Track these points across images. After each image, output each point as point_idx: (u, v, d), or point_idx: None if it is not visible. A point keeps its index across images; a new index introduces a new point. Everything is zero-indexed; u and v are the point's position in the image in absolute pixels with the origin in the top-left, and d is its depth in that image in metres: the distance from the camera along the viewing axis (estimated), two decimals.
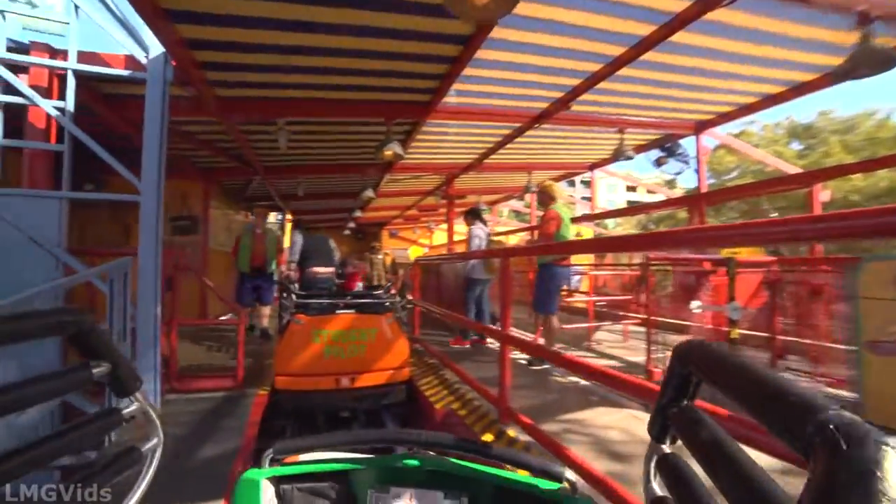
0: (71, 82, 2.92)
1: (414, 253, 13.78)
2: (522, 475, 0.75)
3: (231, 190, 7.73)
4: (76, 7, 2.99)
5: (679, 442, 0.46)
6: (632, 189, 52.27)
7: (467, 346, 5.20)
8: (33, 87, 2.99)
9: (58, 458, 0.46)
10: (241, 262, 5.49)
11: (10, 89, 2.91)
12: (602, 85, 4.19)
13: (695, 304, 2.84)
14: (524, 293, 13.07)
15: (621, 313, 6.10)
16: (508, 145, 6.28)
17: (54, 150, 2.97)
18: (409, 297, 5.40)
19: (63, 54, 3.02)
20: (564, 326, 4.91)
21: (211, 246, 6.67)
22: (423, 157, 6.97)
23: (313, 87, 3.91)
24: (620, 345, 5.31)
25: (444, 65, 3.65)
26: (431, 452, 0.78)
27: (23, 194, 2.76)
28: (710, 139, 5.90)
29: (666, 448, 0.47)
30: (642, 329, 5.76)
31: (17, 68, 2.98)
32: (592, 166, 8.45)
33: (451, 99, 4.58)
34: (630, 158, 5.44)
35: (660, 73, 4.12)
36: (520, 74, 4.07)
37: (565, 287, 8.73)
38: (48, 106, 2.84)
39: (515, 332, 3.86)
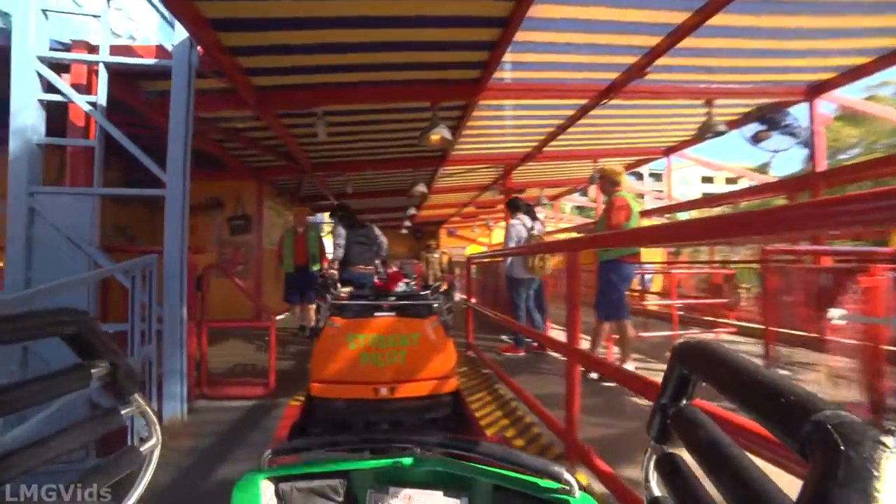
0: (103, 76, 2.83)
1: (471, 252, 13.32)
2: (521, 475, 0.73)
3: (285, 189, 7.80)
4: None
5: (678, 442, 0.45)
6: (708, 180, 47.20)
7: (521, 354, 4.64)
8: (75, 85, 2.95)
9: (57, 460, 0.45)
10: (286, 263, 5.51)
11: (53, 89, 2.88)
12: (687, 42, 3.44)
13: (836, 313, 2.08)
14: (589, 294, 12.19)
15: (710, 319, 5.17)
16: (571, 129, 5.61)
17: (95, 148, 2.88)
18: (457, 297, 4.94)
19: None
20: (641, 335, 4.18)
21: (265, 245, 6.72)
22: (476, 146, 6.50)
23: (351, 68, 3.58)
24: None
25: (494, 29, 3.14)
26: (430, 452, 0.77)
27: (56, 192, 2.70)
28: (827, 105, 4.80)
29: (665, 448, 0.47)
30: (738, 339, 4.83)
31: (60, 68, 2.96)
32: (668, 151, 7.45)
33: (504, 74, 4.06)
34: (721, 134, 4.55)
35: (764, 18, 3.28)
36: (583, 36, 3.45)
37: (637, 287, 7.81)
38: (81, 101, 2.78)
39: (586, 340, 3.27)
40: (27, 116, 2.75)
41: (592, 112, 5.01)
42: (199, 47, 2.89)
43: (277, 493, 0.73)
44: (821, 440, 0.24)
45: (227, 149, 5.43)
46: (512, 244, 4.72)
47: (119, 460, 0.54)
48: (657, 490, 0.47)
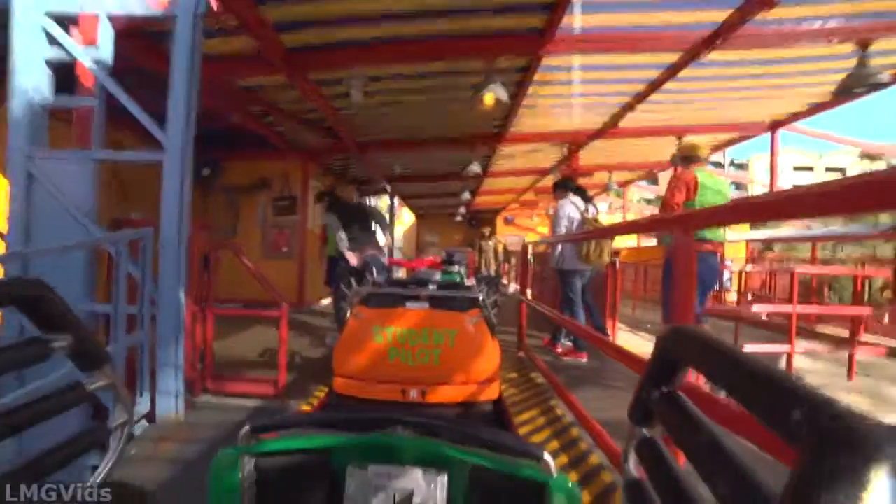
0: (106, 27, 2.50)
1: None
2: (501, 455, 0.73)
3: (333, 171, 7.52)
4: None
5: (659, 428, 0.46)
6: (804, 169, 40.21)
7: (584, 359, 3.92)
8: (87, 44, 2.65)
9: (17, 434, 0.45)
10: (329, 245, 5.08)
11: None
12: None
13: None
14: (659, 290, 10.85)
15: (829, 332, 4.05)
16: (653, 96, 4.66)
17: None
18: (512, 289, 4.48)
19: None
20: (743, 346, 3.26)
21: (310, 227, 6.46)
22: (538, 121, 5.72)
23: (393, 16, 3.01)
24: (845, 385, 3.39)
25: None
26: (410, 431, 0.75)
27: (50, 156, 2.42)
28: None
29: (646, 432, 0.48)
30: (884, 361, 3.71)
31: (69, 24, 2.66)
32: (774, 125, 6.12)
33: (574, 18, 3.28)
34: (880, 87, 3.41)
35: None
36: None
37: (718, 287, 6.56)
38: (84, 56, 2.46)
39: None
40: (30, 76, 2.49)
41: (682, 74, 4.08)
42: None
43: (257, 470, 0.72)
44: (811, 428, 0.24)
45: (268, 124, 5.15)
46: (562, 229, 4.02)
47: (80, 439, 0.53)
48: (635, 472, 0.48)
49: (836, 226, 8.61)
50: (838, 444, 0.22)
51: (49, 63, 2.51)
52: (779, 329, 3.98)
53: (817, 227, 7.65)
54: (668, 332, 0.44)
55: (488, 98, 3.40)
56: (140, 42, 3.09)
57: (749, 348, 3.30)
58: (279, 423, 0.77)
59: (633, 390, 0.47)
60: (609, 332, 4.67)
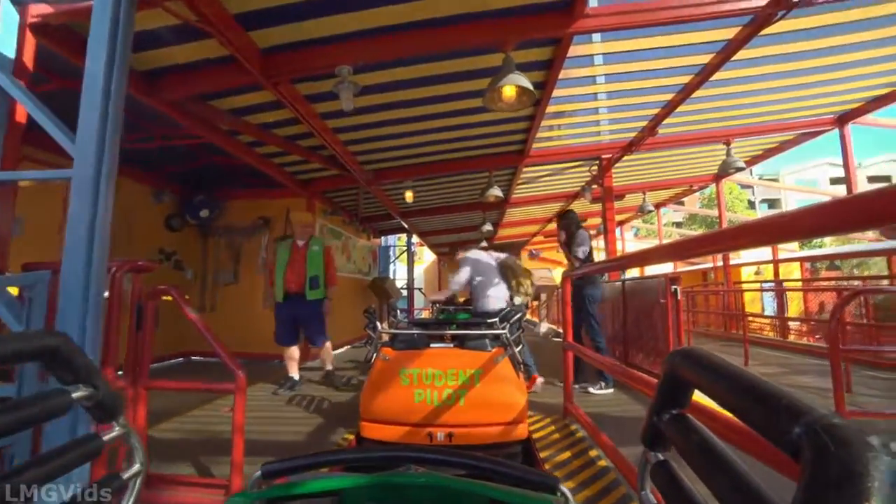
0: (9, 13, 1.98)
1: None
2: (517, 488, 0.71)
3: (342, 206, 6.96)
4: None
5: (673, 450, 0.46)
6: (841, 182, 37.46)
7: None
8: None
9: (40, 486, 0.44)
10: (276, 288, 3.96)
11: None
12: None
13: None
14: (710, 320, 9.57)
15: None
16: (700, 91, 3.92)
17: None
18: (544, 327, 3.98)
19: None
20: None
21: None
22: (565, 132, 5.05)
23: None
24: None
25: None
26: (424, 468, 0.75)
27: None
28: None
29: (659, 456, 0.47)
30: None
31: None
32: (842, 118, 5.22)
33: None
34: None
35: None
36: None
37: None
38: None
39: None
40: None
41: (738, 56, 3.37)
42: None
43: None
44: (811, 442, 0.25)
45: (264, 155, 4.64)
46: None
47: (99, 489, 0.52)
48: (652, 498, 0.48)
49: None
50: (839, 457, 0.23)
51: None
52: None
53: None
54: (674, 354, 0.44)
55: (508, 90, 2.72)
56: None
57: None
58: (290, 466, 0.72)
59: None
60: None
